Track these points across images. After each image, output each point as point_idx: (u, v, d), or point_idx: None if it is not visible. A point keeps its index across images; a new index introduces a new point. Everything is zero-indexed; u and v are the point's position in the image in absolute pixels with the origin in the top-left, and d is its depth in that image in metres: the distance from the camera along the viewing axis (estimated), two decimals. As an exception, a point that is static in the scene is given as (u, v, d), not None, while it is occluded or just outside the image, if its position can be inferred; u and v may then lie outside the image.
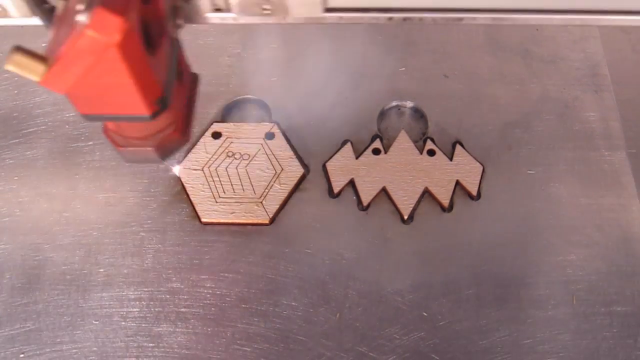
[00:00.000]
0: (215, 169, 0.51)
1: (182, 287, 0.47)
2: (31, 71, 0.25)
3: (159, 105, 0.30)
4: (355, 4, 0.29)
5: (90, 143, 0.53)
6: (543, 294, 0.46)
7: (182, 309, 0.46)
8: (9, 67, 0.25)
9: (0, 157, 0.53)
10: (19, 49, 0.25)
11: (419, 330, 0.45)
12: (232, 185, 0.50)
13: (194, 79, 0.38)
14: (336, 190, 0.50)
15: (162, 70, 0.30)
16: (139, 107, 0.29)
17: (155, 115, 0.30)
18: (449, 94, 0.56)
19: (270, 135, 0.53)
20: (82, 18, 0.23)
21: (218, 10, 0.31)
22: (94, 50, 0.24)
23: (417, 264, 0.48)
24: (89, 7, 0.23)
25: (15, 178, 0.52)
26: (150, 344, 0.44)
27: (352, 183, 0.51)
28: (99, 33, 0.24)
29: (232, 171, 0.51)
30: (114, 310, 0.46)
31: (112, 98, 0.29)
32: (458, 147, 0.52)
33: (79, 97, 0.29)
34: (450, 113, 0.55)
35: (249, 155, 0.52)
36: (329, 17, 0.30)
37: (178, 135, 0.36)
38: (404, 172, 0.51)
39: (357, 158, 0.52)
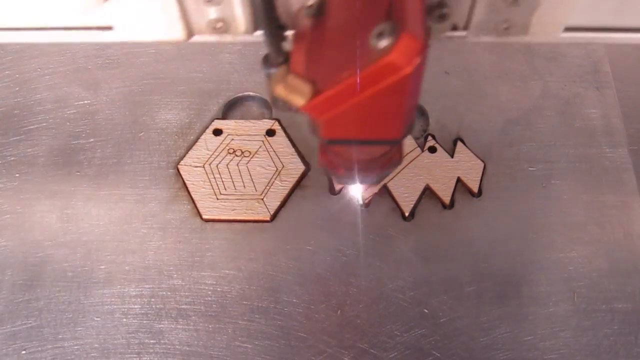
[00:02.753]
0: (216, 166, 0.51)
1: (183, 284, 0.47)
2: (299, 94, 0.24)
3: (409, 129, 0.30)
4: (594, 23, 0.28)
5: (92, 140, 0.53)
6: (544, 291, 0.46)
7: (183, 306, 0.46)
8: (278, 90, 0.24)
9: (2, 154, 0.53)
10: (290, 70, 0.24)
11: (420, 327, 0.45)
12: (233, 182, 0.50)
13: None
14: (337, 187, 0.50)
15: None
16: (394, 131, 0.28)
17: (402, 139, 0.30)
18: (450, 90, 0.56)
19: (271, 132, 0.53)
20: (384, 43, 0.22)
21: (454, 29, 0.29)
22: (388, 76, 0.23)
23: (418, 261, 0.48)
24: (392, 32, 0.22)
25: (17, 175, 0.52)
26: (152, 341, 0.45)
27: (353, 180, 0.51)
28: (402, 58, 0.23)
29: (233, 168, 0.51)
30: (115, 307, 0.46)
31: (371, 123, 0.28)
32: (459, 144, 0.52)
33: (332, 122, 0.28)
34: (451, 110, 0.54)
35: (250, 152, 0.52)
36: (567, 37, 0.28)
37: (398, 158, 0.35)
38: (405, 169, 0.51)
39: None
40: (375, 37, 0.22)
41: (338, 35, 0.24)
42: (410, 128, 0.30)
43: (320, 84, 0.25)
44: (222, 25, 0.28)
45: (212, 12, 0.28)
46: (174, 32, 0.29)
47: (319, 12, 0.26)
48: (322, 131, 0.29)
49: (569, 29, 0.28)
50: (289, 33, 0.28)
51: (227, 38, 0.29)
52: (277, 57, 0.27)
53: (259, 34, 0.28)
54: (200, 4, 0.27)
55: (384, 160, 0.34)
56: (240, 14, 0.28)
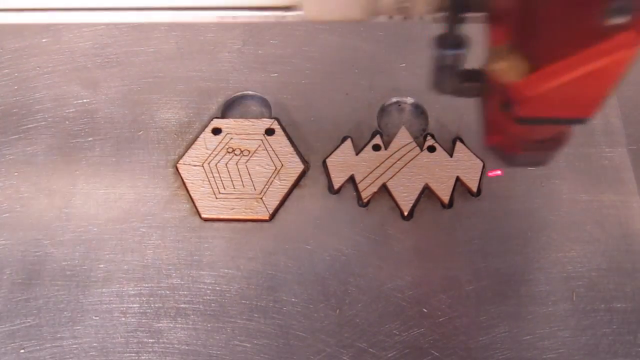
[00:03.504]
0: (215, 165, 0.51)
1: (182, 283, 0.47)
2: (516, 70, 0.24)
3: (599, 108, 0.30)
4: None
5: (90, 139, 0.53)
6: (543, 290, 0.46)
7: (182, 305, 0.46)
8: (499, 66, 0.25)
9: (1, 152, 0.53)
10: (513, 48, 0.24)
11: (419, 326, 0.45)
12: (232, 181, 0.50)
13: None
14: (336, 186, 0.50)
15: None
16: (589, 110, 0.28)
17: (591, 118, 0.29)
18: (449, 90, 0.55)
19: (270, 131, 0.53)
20: (620, 19, 0.23)
21: None
22: (620, 52, 0.24)
23: (417, 260, 0.48)
24: (630, 9, 0.22)
25: (16, 174, 0.52)
26: (151, 340, 0.45)
27: (352, 179, 0.51)
28: (638, 35, 0.23)
29: (232, 167, 0.51)
30: (114, 306, 0.46)
31: (574, 101, 0.28)
32: (458, 143, 0.52)
33: (538, 99, 0.27)
34: (450, 109, 0.54)
35: (249, 151, 0.52)
36: None
37: (569, 138, 0.35)
38: (404, 169, 0.51)
39: (357, 154, 0.52)
40: (610, 12, 0.23)
41: (556, 11, 0.24)
42: (599, 108, 0.30)
43: (536, 60, 0.25)
44: (407, 6, 0.28)
45: None
46: (359, 10, 0.29)
47: None
48: (519, 108, 0.29)
49: None
50: (470, 15, 0.28)
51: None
52: (453, 39, 0.27)
53: (440, 15, 0.28)
54: None
55: (558, 138, 0.34)
56: None
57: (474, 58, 0.29)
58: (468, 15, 0.28)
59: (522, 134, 0.33)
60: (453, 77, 0.30)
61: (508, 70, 0.25)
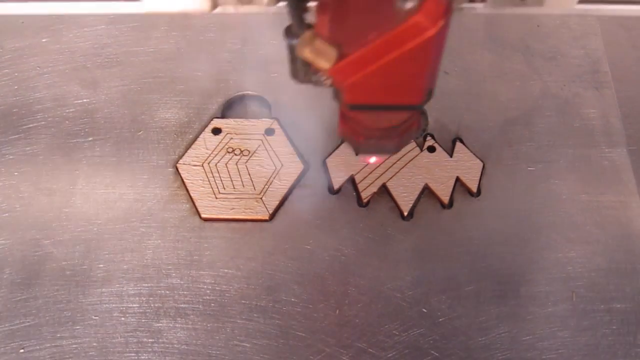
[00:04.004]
0: (215, 165, 0.51)
1: (181, 282, 0.47)
2: (325, 58, 0.25)
3: (429, 95, 0.30)
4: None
5: (90, 139, 0.53)
6: (543, 290, 0.46)
7: (182, 305, 0.46)
8: (305, 53, 0.25)
9: (0, 152, 0.53)
10: (316, 35, 0.24)
11: (419, 326, 0.45)
12: (232, 181, 0.50)
13: None
14: (336, 186, 0.50)
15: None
16: (415, 96, 0.29)
17: (423, 104, 0.30)
18: (449, 90, 0.56)
19: (270, 131, 0.53)
20: (409, 4, 0.23)
21: (472, 0, 0.30)
22: (414, 37, 0.24)
23: (417, 260, 0.48)
24: None
25: (15, 173, 0.52)
26: (150, 340, 0.45)
27: (352, 179, 0.51)
28: (428, 20, 0.23)
29: (232, 167, 0.51)
30: (113, 305, 0.46)
31: (393, 87, 0.28)
32: (458, 143, 0.52)
33: (356, 85, 0.28)
34: (450, 109, 0.54)
35: (249, 151, 0.52)
36: (581, 8, 0.29)
37: (417, 127, 0.35)
38: (404, 169, 0.51)
39: (357, 154, 0.52)
40: (401, 0, 0.23)
41: (362, 0, 0.25)
42: (431, 94, 0.30)
43: (346, 47, 0.25)
44: None
45: None
46: (199, 2, 0.29)
47: None
48: (345, 95, 0.30)
49: (583, 1, 0.28)
50: (312, 4, 0.28)
51: (252, 9, 0.29)
52: (299, 28, 0.27)
53: (282, 4, 0.28)
54: None
55: (403, 128, 0.34)
56: None
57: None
58: (310, 5, 0.28)
59: (361, 121, 0.34)
60: (306, 67, 0.30)
61: (315, 56, 0.25)
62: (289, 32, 0.28)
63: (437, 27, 0.24)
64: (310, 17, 0.27)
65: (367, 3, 0.25)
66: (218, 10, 0.30)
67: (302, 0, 0.27)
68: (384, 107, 0.31)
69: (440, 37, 0.25)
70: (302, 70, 0.30)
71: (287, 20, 0.28)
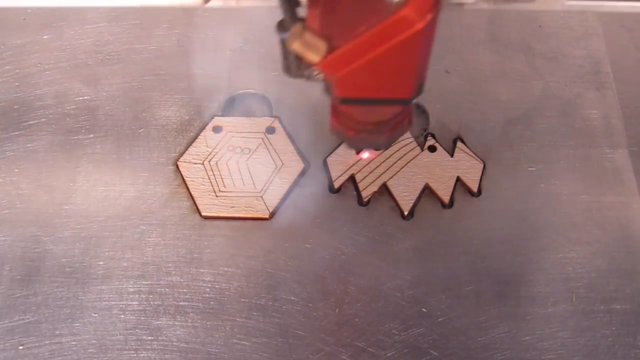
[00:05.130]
0: (216, 163, 0.51)
1: (181, 280, 0.47)
2: (315, 51, 0.25)
3: (419, 90, 0.30)
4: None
5: (91, 136, 0.53)
6: (543, 291, 0.46)
7: (182, 303, 0.46)
8: (294, 45, 0.25)
9: (1, 149, 0.53)
10: (305, 27, 0.24)
11: (418, 326, 0.45)
12: (232, 179, 0.50)
13: None
14: (336, 185, 0.50)
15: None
16: (405, 90, 0.29)
17: (413, 98, 0.30)
18: (450, 90, 0.55)
19: (271, 130, 0.53)
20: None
21: None
22: (402, 31, 0.24)
23: (417, 260, 0.47)
24: None
25: (16, 170, 0.52)
26: (149, 337, 0.45)
27: (352, 178, 0.51)
28: (416, 13, 0.23)
29: (232, 165, 0.51)
30: (113, 303, 0.46)
31: (383, 81, 0.28)
32: (459, 143, 0.52)
33: (346, 79, 0.28)
34: (451, 109, 0.54)
35: (250, 150, 0.52)
36: (572, 5, 0.29)
37: (407, 122, 0.35)
38: (405, 168, 0.51)
39: (357, 153, 0.52)
40: None
41: None
42: (420, 89, 0.30)
43: (336, 40, 0.25)
44: None
45: None
46: None
47: None
48: (335, 89, 0.29)
49: None
50: None
51: (245, 3, 0.29)
52: (291, 23, 0.27)
53: None
54: None
55: (393, 123, 0.34)
56: None
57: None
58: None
59: (352, 115, 0.34)
60: (298, 62, 0.30)
61: (304, 49, 0.25)
62: (281, 26, 0.28)
63: (426, 21, 0.24)
64: (303, 12, 0.27)
65: None
66: (211, 4, 0.30)
67: None
68: (374, 101, 0.31)
69: (428, 31, 0.25)
70: (294, 65, 0.30)
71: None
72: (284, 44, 0.28)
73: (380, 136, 0.36)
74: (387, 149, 0.44)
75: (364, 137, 0.36)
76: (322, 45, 0.25)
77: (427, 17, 0.24)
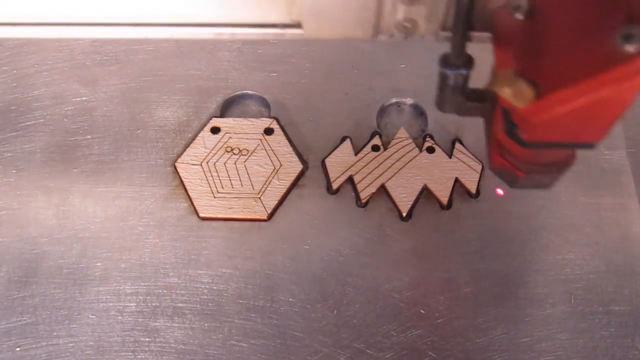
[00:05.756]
0: (214, 164, 0.51)
1: (179, 282, 0.46)
2: (521, 97, 0.24)
3: (608, 133, 0.29)
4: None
5: (89, 137, 0.53)
6: (541, 292, 0.46)
7: (179, 304, 0.46)
8: (504, 92, 0.24)
9: (-2, 150, 0.53)
10: (517, 73, 0.24)
11: (417, 327, 0.45)
12: (230, 180, 0.50)
13: None
14: (335, 186, 0.50)
15: None
16: (599, 134, 0.28)
17: (600, 141, 0.29)
18: (449, 91, 0.55)
19: (269, 131, 0.52)
20: (634, 46, 0.22)
21: None
22: (632, 78, 0.23)
23: (415, 261, 0.47)
24: None
25: (13, 171, 0.52)
26: (147, 339, 0.44)
27: (350, 179, 0.50)
28: None
29: (230, 166, 0.51)
30: (110, 304, 0.46)
31: (582, 126, 0.27)
32: (457, 144, 0.52)
33: (545, 124, 0.26)
34: (450, 110, 0.54)
35: (248, 151, 0.52)
36: None
37: (573, 161, 0.34)
38: (403, 169, 0.51)
39: (356, 154, 0.51)
40: (621, 39, 0.22)
41: (563, 37, 0.24)
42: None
43: (543, 85, 0.24)
44: (409, 25, 0.28)
45: (402, 11, 0.28)
46: (360, 30, 0.28)
47: (530, 13, 0.25)
48: (525, 133, 0.28)
49: None
50: (475, 34, 0.27)
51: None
52: (458, 58, 0.27)
53: (445, 34, 0.28)
54: (397, 1, 0.27)
55: (565, 161, 0.33)
56: (432, 12, 0.28)
57: (478, 77, 0.29)
58: (473, 35, 0.27)
59: (527, 157, 0.33)
60: (457, 97, 0.29)
61: (513, 96, 0.24)
62: (445, 62, 0.27)
63: None
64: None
65: (573, 41, 0.23)
66: (380, 37, 0.29)
67: (468, 30, 0.26)
68: (563, 145, 0.29)
69: None
70: (451, 101, 0.29)
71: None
72: (444, 78, 0.28)
73: (548, 176, 0.34)
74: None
75: (533, 178, 0.34)
76: (529, 92, 0.24)
77: None
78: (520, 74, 0.25)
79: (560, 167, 0.34)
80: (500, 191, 0.50)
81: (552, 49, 0.24)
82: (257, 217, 0.49)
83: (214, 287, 0.46)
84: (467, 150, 0.52)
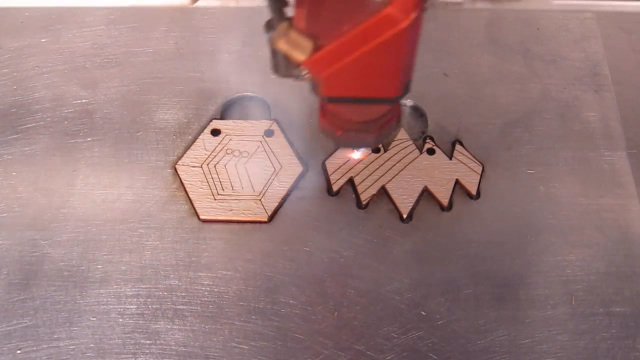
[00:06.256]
0: (214, 166, 0.51)
1: (179, 284, 0.46)
2: (300, 49, 0.25)
3: (405, 89, 0.30)
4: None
5: (89, 139, 0.53)
6: (542, 293, 0.46)
7: (180, 306, 0.46)
8: (280, 44, 0.25)
9: (-1, 152, 0.53)
10: (292, 26, 0.24)
11: (417, 329, 0.45)
12: (230, 182, 0.50)
13: None
14: (335, 188, 0.50)
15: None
16: (392, 89, 0.29)
17: (400, 97, 0.30)
18: (448, 92, 0.55)
19: (269, 133, 0.52)
20: None
21: None
22: (386, 29, 0.24)
23: (416, 263, 0.47)
24: None
25: (14, 174, 0.52)
26: (148, 341, 0.44)
27: (351, 181, 0.50)
28: (400, 12, 0.23)
29: (231, 168, 0.51)
30: (111, 307, 0.46)
31: (370, 80, 0.28)
32: (458, 146, 0.52)
33: (333, 78, 0.28)
34: (450, 112, 0.54)
35: (248, 153, 0.52)
36: (559, 4, 0.29)
37: (396, 122, 0.35)
38: (403, 171, 0.51)
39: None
40: None
41: None
42: (408, 88, 0.30)
43: (321, 39, 0.25)
44: None
45: None
46: None
47: None
48: (322, 88, 0.30)
49: None
50: None
51: (231, 3, 0.29)
52: (278, 22, 0.27)
53: None
54: None
55: (381, 122, 0.34)
56: None
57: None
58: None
59: (340, 114, 0.34)
60: (284, 61, 0.30)
61: (290, 48, 0.25)
62: (268, 26, 0.28)
63: (410, 19, 0.24)
64: (291, 12, 0.27)
65: None
66: (210, 3, 0.30)
67: None
68: (361, 100, 0.31)
69: (413, 30, 0.25)
70: (282, 64, 0.30)
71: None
72: (271, 42, 0.29)
73: (368, 135, 0.36)
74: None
75: (352, 136, 0.36)
76: (308, 44, 0.25)
77: (411, 15, 0.24)
78: (304, 29, 0.26)
79: (379, 126, 0.35)
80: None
81: (328, 5, 0.25)
82: (258, 219, 0.49)
83: (215, 289, 0.46)
84: (467, 151, 0.52)
